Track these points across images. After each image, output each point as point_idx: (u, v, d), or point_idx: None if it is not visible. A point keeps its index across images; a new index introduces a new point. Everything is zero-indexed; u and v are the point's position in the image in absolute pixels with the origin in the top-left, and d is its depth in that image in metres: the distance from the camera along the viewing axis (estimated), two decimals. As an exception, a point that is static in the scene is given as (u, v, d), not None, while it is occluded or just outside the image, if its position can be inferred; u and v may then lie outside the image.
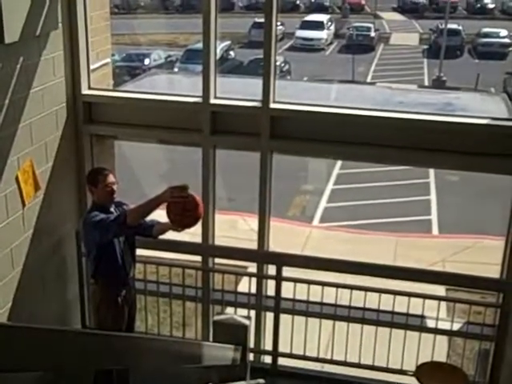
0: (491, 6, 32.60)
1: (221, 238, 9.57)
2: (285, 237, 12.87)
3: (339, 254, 10.89)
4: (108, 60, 6.32)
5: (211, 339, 4.68)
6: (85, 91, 5.75)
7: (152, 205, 4.37)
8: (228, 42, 22.63)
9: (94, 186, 4.78)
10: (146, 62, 21.51)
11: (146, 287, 5.96)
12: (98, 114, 5.93)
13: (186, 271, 6.03)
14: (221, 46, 22.10)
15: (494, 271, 5.71)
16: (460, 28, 26.91)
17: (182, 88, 6.80)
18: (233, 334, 4.17)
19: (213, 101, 5.64)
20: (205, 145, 5.75)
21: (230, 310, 5.98)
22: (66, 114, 5.62)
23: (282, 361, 6.05)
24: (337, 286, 5.68)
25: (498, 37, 26.55)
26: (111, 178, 4.81)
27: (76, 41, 5.58)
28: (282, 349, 5.97)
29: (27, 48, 4.96)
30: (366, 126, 5.49)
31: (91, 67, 5.85)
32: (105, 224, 4.53)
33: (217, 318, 4.22)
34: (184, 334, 6.20)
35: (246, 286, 6.13)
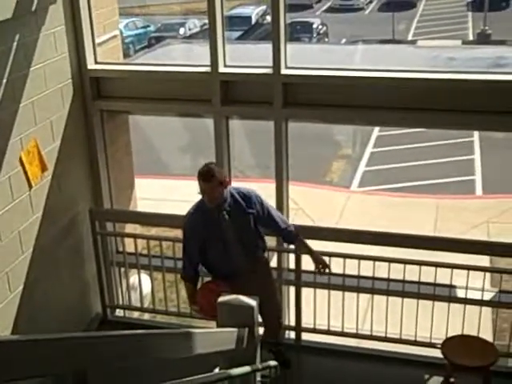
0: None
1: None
2: (322, 203, 12.66)
3: (378, 219, 10.75)
4: (116, 32, 6.13)
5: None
6: (91, 66, 5.57)
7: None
8: (264, 7, 22.15)
9: (198, 183, 4.44)
10: (181, 31, 21.28)
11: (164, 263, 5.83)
12: (108, 89, 5.75)
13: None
14: (256, 11, 21.68)
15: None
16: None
17: (197, 57, 6.55)
18: (239, 315, 3.98)
19: (222, 69, 5.40)
20: (216, 116, 5.53)
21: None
22: (72, 91, 5.46)
23: (308, 336, 5.87)
24: (359, 257, 5.43)
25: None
26: (208, 187, 4.37)
27: (78, 14, 5.38)
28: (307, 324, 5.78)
29: (23, 24, 4.79)
30: (402, 88, 5.16)
31: (98, 41, 5.66)
32: (182, 260, 4.76)
33: (221, 299, 4.02)
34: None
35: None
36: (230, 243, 4.60)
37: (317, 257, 4.83)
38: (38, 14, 4.94)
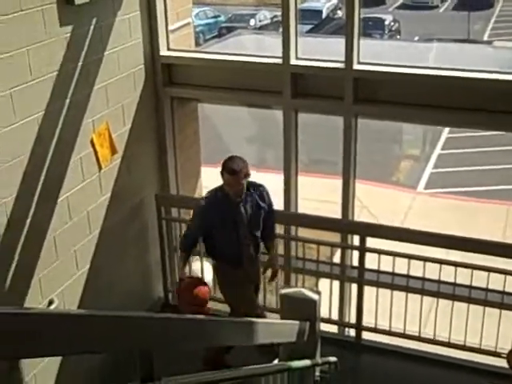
0: None
1: (320, 203, 9.38)
2: (387, 202, 12.46)
3: (443, 223, 10.50)
4: (189, 20, 6.15)
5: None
6: (163, 52, 5.60)
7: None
8: (335, 1, 21.95)
9: (221, 177, 4.54)
10: (252, 22, 21.29)
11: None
12: (179, 76, 5.78)
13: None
14: (327, 5, 21.51)
15: None
16: None
17: (268, 49, 6.51)
18: (301, 308, 3.94)
19: (293, 62, 5.34)
20: (286, 108, 5.48)
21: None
22: (143, 77, 5.50)
23: (369, 335, 5.76)
24: (424, 259, 5.29)
25: None
26: (234, 180, 4.47)
27: (153, 1, 5.42)
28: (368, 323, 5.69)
29: (100, 9, 4.85)
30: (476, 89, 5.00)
31: (171, 28, 5.69)
32: (186, 232, 4.93)
33: (284, 291, 3.99)
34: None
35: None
36: (242, 233, 4.69)
37: (275, 263, 5.04)
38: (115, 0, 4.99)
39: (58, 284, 4.75)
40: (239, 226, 4.67)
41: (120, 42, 5.11)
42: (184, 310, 4.65)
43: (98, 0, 4.73)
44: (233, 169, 4.45)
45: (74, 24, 4.59)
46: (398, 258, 5.36)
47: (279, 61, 5.36)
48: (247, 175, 4.53)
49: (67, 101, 4.63)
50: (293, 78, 5.35)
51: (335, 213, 5.81)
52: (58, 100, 4.53)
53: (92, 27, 4.78)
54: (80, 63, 4.71)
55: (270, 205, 4.85)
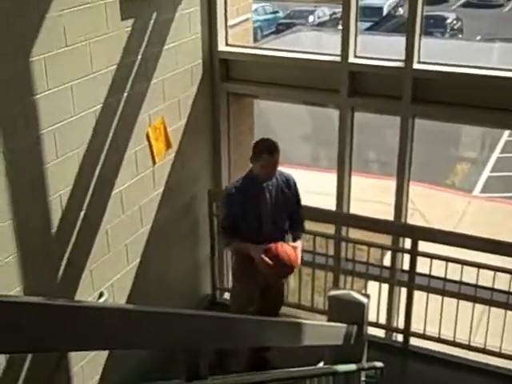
0: None
1: (373, 204, 9.25)
2: (440, 205, 12.23)
3: (499, 228, 10.24)
4: (248, 15, 6.14)
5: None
6: (221, 48, 5.61)
7: (243, 252, 4.64)
8: (397, -2, 21.67)
9: (255, 160, 4.54)
10: (310, 19, 21.18)
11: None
12: (236, 72, 5.78)
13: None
14: (388, 3, 21.21)
15: None
16: None
17: (326, 46, 6.45)
18: (349, 311, 3.90)
19: (352, 60, 5.28)
20: (342, 107, 5.43)
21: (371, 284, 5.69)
22: (201, 72, 5.52)
23: (417, 341, 5.67)
24: (477, 266, 5.17)
25: None
26: (273, 160, 4.47)
27: (214, -5, 5.43)
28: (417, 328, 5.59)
29: (161, 3, 4.88)
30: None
31: (230, 23, 5.69)
32: (221, 223, 4.85)
33: (332, 292, 3.96)
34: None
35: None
36: (265, 219, 4.64)
37: (257, 252, 4.51)
38: (175, -6, 5.02)
39: (108, 277, 4.81)
40: (262, 212, 4.61)
41: (179, 36, 5.14)
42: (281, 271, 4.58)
43: (158, -6, 4.77)
44: (273, 147, 4.46)
45: (135, 18, 4.63)
46: (450, 264, 5.27)
47: (337, 59, 5.30)
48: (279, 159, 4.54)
49: (125, 94, 4.68)
50: (350, 77, 5.29)
51: (387, 214, 5.73)
52: (116, 93, 4.58)
53: (152, 21, 4.81)
54: (139, 57, 4.75)
55: (297, 195, 4.80)
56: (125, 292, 5.01)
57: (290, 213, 4.80)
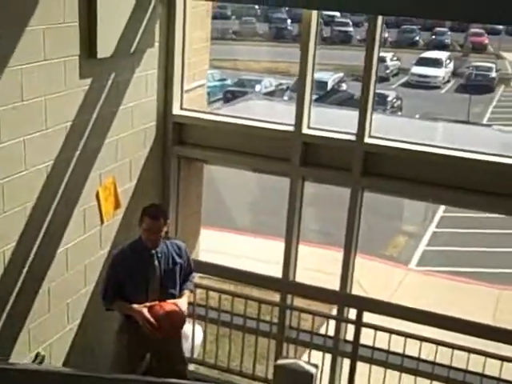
0: None
1: (315, 273, 9.27)
2: (377, 277, 12.38)
3: (433, 303, 10.40)
4: (204, 81, 6.23)
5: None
6: (176, 111, 5.65)
7: (125, 312, 4.52)
8: (341, 74, 22.37)
9: (139, 223, 4.47)
10: (257, 88, 21.59)
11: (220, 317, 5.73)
12: (189, 136, 5.82)
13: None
14: (333, 78, 21.89)
15: None
16: None
17: (277, 115, 6.56)
18: (296, 381, 3.85)
19: (305, 131, 5.39)
20: (293, 175, 5.50)
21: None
22: (154, 133, 5.53)
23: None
24: (421, 339, 5.22)
25: None
26: (155, 226, 4.40)
27: (172, 60, 5.50)
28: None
29: (120, 64, 4.92)
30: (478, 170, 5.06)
31: (186, 88, 5.76)
32: (102, 287, 4.63)
33: (280, 362, 3.91)
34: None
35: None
36: (152, 287, 4.54)
37: (140, 313, 4.43)
38: (134, 56, 5.07)
39: (47, 337, 4.65)
40: (150, 278, 4.52)
41: (135, 97, 5.17)
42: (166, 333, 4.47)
43: (119, 55, 4.80)
44: (158, 214, 4.44)
45: (94, 77, 4.65)
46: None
47: (291, 128, 5.41)
48: (167, 225, 4.50)
49: (77, 152, 4.64)
50: (303, 147, 5.39)
51: (327, 284, 5.73)
52: (68, 151, 4.54)
53: (110, 81, 4.83)
54: (94, 115, 4.75)
55: (189, 262, 4.74)
56: (63, 354, 4.83)
57: (183, 279, 4.73)
